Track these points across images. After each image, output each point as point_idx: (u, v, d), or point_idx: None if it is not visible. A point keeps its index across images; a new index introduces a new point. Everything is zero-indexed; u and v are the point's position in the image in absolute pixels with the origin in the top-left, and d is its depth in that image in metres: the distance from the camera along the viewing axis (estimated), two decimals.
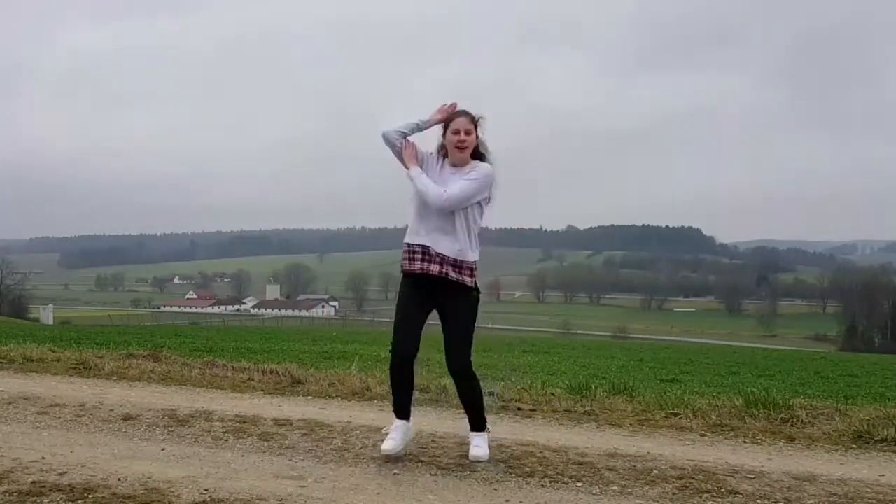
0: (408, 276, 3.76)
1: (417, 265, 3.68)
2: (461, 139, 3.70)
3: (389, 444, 3.71)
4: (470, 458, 3.67)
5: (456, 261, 3.67)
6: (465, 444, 3.96)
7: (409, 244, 3.73)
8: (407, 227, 3.82)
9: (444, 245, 3.66)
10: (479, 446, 3.70)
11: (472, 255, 3.71)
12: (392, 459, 3.70)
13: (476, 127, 3.75)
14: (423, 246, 3.68)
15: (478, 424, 3.77)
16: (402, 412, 3.80)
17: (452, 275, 3.66)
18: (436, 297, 3.72)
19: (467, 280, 3.70)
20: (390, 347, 3.75)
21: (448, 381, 5.85)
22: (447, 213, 3.67)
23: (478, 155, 3.80)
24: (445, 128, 3.79)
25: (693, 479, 3.42)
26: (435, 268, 3.65)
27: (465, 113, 3.78)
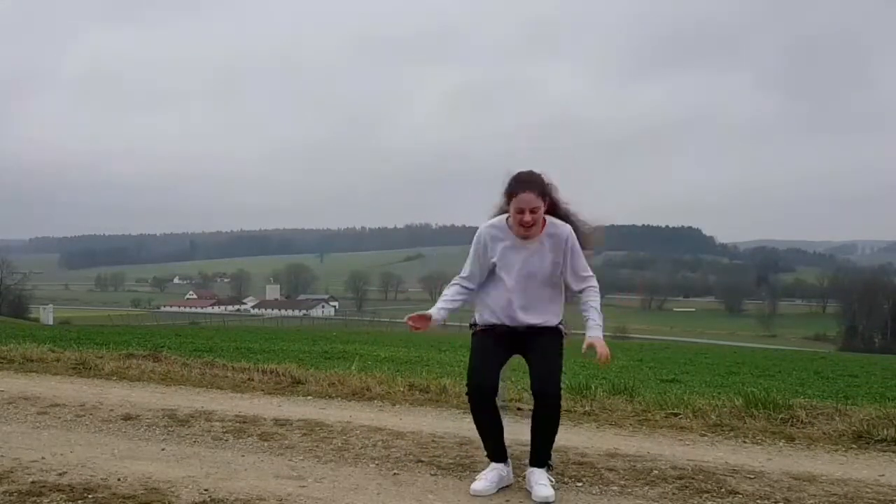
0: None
1: (503, 328, 3.35)
2: (524, 219, 3.20)
3: (480, 485, 3.23)
4: (537, 498, 3.12)
5: None
6: (465, 445, 3.95)
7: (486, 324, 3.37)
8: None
9: (532, 319, 3.33)
10: (544, 484, 3.17)
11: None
12: (392, 460, 3.69)
13: (545, 198, 3.24)
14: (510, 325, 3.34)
15: (542, 459, 3.27)
16: (497, 455, 3.33)
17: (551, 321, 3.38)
18: (519, 343, 3.36)
19: (554, 321, 3.38)
20: (466, 389, 3.34)
21: (448, 381, 5.86)
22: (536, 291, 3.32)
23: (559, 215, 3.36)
24: (510, 200, 3.25)
25: (693, 479, 3.42)
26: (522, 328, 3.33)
27: (530, 185, 3.20)
